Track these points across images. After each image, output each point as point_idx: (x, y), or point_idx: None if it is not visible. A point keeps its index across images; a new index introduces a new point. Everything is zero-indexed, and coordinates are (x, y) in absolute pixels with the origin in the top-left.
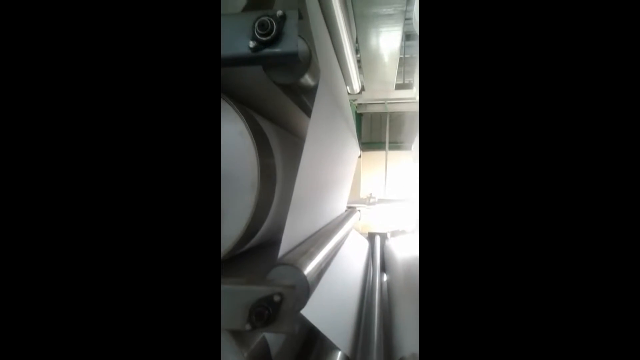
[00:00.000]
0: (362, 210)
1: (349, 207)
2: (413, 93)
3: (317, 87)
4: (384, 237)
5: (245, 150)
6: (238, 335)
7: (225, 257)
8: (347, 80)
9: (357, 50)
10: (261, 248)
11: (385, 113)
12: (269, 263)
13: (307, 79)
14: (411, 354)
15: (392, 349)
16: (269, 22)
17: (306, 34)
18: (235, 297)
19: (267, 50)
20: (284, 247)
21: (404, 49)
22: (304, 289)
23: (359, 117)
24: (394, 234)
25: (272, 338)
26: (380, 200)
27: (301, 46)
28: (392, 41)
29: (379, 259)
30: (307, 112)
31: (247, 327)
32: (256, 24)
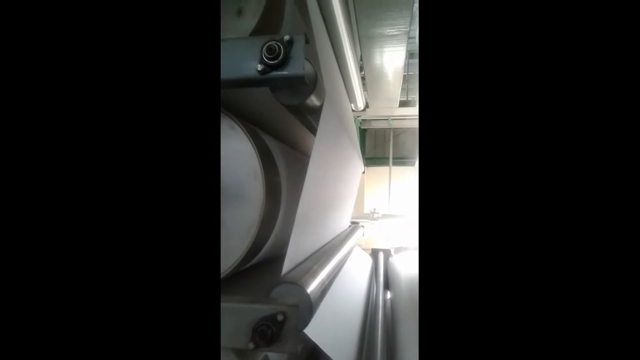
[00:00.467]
0: (366, 226)
1: (352, 223)
2: (416, 110)
3: (322, 107)
4: (387, 253)
5: (251, 167)
6: (241, 354)
7: (230, 274)
8: (351, 97)
9: (361, 68)
10: (265, 264)
11: (389, 129)
12: (273, 280)
13: (313, 100)
14: None
15: None
16: (276, 46)
17: (312, 56)
18: (239, 315)
19: (274, 73)
20: (287, 265)
21: (407, 66)
22: (307, 308)
23: (362, 132)
24: (397, 250)
25: (275, 356)
26: (384, 216)
27: (307, 68)
28: (395, 60)
29: (383, 276)
30: (313, 130)
31: (251, 346)
32: (264, 48)
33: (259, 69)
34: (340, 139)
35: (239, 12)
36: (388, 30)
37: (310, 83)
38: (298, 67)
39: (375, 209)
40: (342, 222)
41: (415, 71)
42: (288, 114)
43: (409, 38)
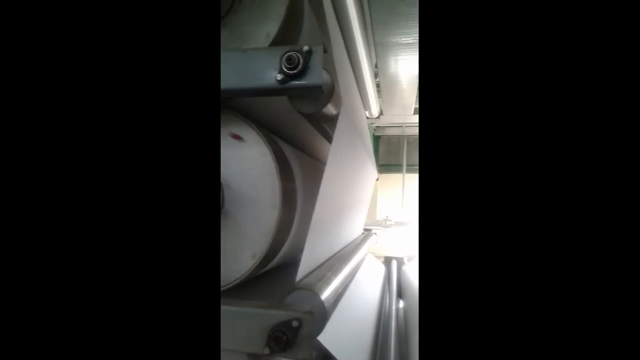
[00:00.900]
0: (379, 233)
1: (365, 230)
2: None
3: (338, 115)
4: (400, 261)
5: (268, 174)
6: (256, 359)
7: (246, 279)
8: (366, 105)
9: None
10: (279, 269)
11: (403, 136)
12: (287, 286)
13: (330, 108)
14: None
15: None
16: (296, 56)
17: (329, 65)
18: (254, 320)
19: (293, 83)
20: (302, 271)
21: None
22: (321, 315)
23: (376, 139)
24: (410, 258)
25: None
26: (397, 223)
27: (325, 78)
28: (410, 67)
29: (396, 285)
30: (328, 138)
31: (266, 351)
32: (284, 58)
33: (279, 78)
34: (355, 147)
35: (260, 23)
36: (404, 39)
37: (328, 92)
38: (316, 76)
39: (388, 216)
40: (355, 228)
41: None
42: (305, 121)
43: None
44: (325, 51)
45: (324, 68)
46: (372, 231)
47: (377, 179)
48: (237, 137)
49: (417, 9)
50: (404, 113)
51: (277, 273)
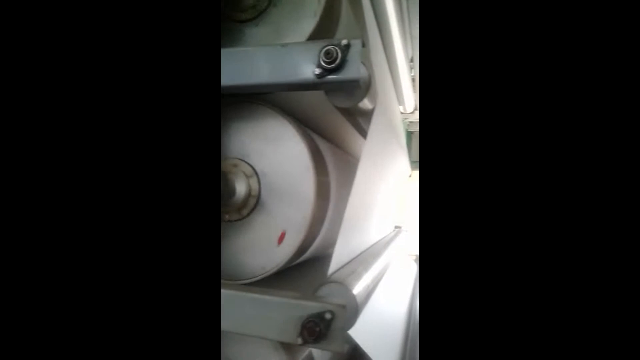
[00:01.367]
0: (410, 230)
1: (396, 227)
2: None
3: (374, 110)
4: None
5: (303, 167)
6: (288, 348)
7: (279, 270)
8: (400, 99)
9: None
10: (310, 262)
11: None
12: (319, 279)
13: (366, 103)
14: None
15: None
16: (334, 50)
17: (366, 59)
18: (288, 310)
19: (331, 77)
20: (334, 265)
21: None
22: (353, 309)
23: (409, 135)
24: None
25: (317, 353)
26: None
27: (362, 72)
28: None
29: None
30: (362, 132)
31: (299, 341)
32: (322, 52)
33: (317, 72)
34: (389, 142)
35: (297, 18)
36: None
37: (365, 86)
38: (354, 70)
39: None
40: (387, 225)
41: None
42: (340, 116)
43: None
44: (363, 45)
45: (362, 62)
46: (403, 229)
47: (410, 176)
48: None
49: None
50: None
51: (309, 265)
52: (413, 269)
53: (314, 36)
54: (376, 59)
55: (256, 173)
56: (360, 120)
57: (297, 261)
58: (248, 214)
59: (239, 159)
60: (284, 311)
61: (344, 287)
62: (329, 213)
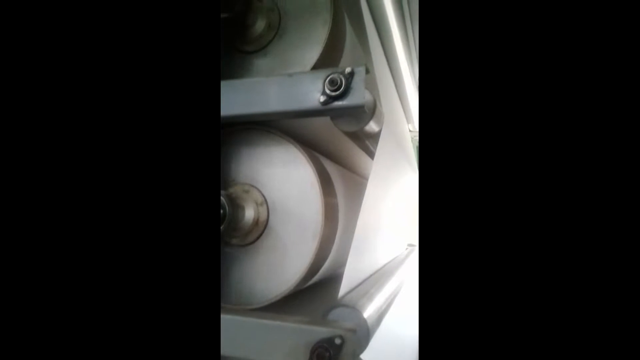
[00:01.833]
0: None
1: (409, 245)
2: None
3: (380, 132)
4: None
5: (311, 191)
6: None
7: (290, 293)
8: (408, 118)
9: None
10: (321, 284)
11: None
12: (329, 302)
13: (372, 126)
14: None
15: None
16: (338, 78)
17: (371, 83)
18: (297, 335)
19: (336, 103)
20: (344, 287)
21: None
22: (364, 333)
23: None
24: None
25: None
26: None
27: (367, 97)
28: None
29: None
30: (370, 154)
31: None
32: (327, 81)
33: (322, 100)
34: (397, 162)
35: (303, 47)
36: None
37: (370, 111)
38: (358, 97)
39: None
40: (399, 244)
41: None
42: (347, 139)
43: None
44: (367, 72)
45: (366, 88)
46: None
47: None
48: None
49: None
50: None
51: (319, 288)
52: None
53: (319, 64)
54: (382, 82)
55: (266, 201)
56: (367, 142)
57: (308, 284)
58: (256, 239)
59: (251, 184)
60: (292, 336)
61: (355, 310)
62: (338, 235)
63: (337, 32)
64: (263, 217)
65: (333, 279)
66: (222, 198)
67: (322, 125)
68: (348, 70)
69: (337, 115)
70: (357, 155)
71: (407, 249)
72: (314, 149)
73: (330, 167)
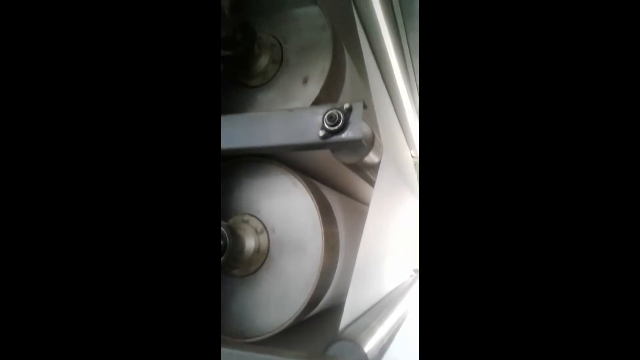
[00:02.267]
0: None
1: (415, 271)
2: None
3: (380, 162)
4: None
5: (311, 221)
6: None
7: (289, 326)
8: (410, 144)
9: None
10: (322, 315)
11: None
12: (329, 335)
13: (371, 157)
14: None
15: None
16: (337, 114)
17: (371, 115)
18: None
19: (334, 137)
20: (345, 320)
21: None
22: None
23: None
24: None
25: None
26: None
27: (365, 131)
28: None
29: None
30: (372, 183)
31: None
32: (326, 116)
33: (321, 134)
34: (398, 190)
35: (305, 81)
36: None
37: (368, 143)
38: (356, 131)
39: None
40: (402, 272)
41: None
42: (348, 169)
43: None
44: (365, 107)
45: (364, 121)
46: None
47: None
48: None
49: None
50: None
51: (321, 319)
52: None
53: (321, 97)
54: (382, 112)
55: (266, 229)
56: (368, 172)
57: (309, 315)
58: (256, 270)
59: (250, 214)
60: None
61: (356, 344)
62: (340, 264)
63: (338, 66)
64: (264, 247)
65: (335, 310)
66: (222, 229)
67: (323, 155)
68: (346, 106)
69: (337, 148)
70: (359, 182)
71: (411, 275)
72: (315, 177)
73: (331, 196)
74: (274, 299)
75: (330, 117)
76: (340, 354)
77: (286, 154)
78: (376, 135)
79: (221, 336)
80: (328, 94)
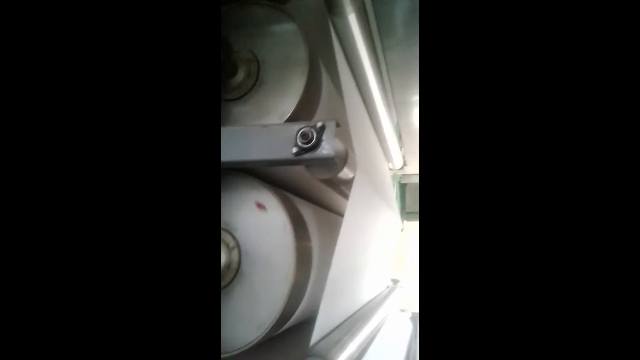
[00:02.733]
0: (407, 280)
1: (393, 280)
2: None
3: (354, 177)
4: None
5: (283, 236)
6: None
7: (259, 342)
8: (388, 157)
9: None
10: (294, 330)
11: None
12: (300, 352)
13: (346, 172)
14: None
15: None
16: (310, 132)
17: (345, 133)
18: None
19: (307, 155)
20: (316, 335)
21: None
22: None
23: (402, 187)
24: None
25: None
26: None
27: (338, 148)
28: None
29: None
30: (347, 197)
31: None
32: (299, 134)
33: (294, 151)
34: (373, 204)
35: (281, 96)
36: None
37: (341, 161)
38: (329, 149)
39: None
40: (378, 284)
41: None
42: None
43: None
44: (338, 125)
45: (338, 138)
46: (399, 283)
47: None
48: (261, 207)
49: None
50: None
51: (293, 333)
52: (408, 330)
53: (296, 113)
54: (357, 128)
55: (238, 244)
56: (343, 187)
57: (282, 329)
58: (227, 285)
59: (223, 229)
60: None
61: None
62: (312, 278)
63: (314, 83)
64: (235, 261)
65: (309, 324)
66: None
67: (298, 168)
68: (319, 124)
69: (310, 164)
70: (336, 195)
71: (387, 287)
72: (290, 190)
73: (306, 209)
74: (245, 314)
75: (304, 135)
76: None
77: (260, 167)
78: (350, 151)
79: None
80: (304, 109)
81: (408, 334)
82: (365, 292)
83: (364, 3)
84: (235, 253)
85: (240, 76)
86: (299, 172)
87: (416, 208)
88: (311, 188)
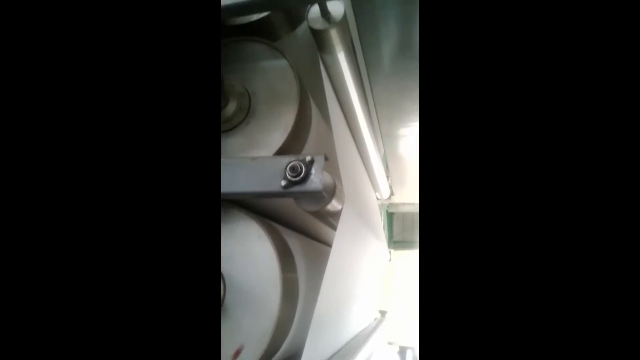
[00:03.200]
0: (395, 311)
1: (380, 312)
2: None
3: (342, 209)
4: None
5: (269, 269)
6: None
7: None
8: (376, 187)
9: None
10: None
11: (416, 213)
12: None
13: (334, 204)
14: None
15: None
16: (299, 166)
17: (333, 166)
18: None
19: (296, 188)
20: None
21: None
22: None
23: (390, 216)
24: None
25: None
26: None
27: (326, 181)
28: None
29: None
30: (334, 227)
31: None
32: (288, 167)
33: (283, 184)
34: (360, 235)
35: (270, 130)
36: (409, 130)
37: (329, 194)
38: (317, 183)
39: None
40: (365, 315)
41: None
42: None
43: None
44: (326, 159)
45: (326, 171)
46: (386, 315)
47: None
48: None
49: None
50: (415, 193)
51: None
52: None
53: (285, 146)
54: (345, 162)
55: (222, 277)
56: (331, 219)
57: None
58: None
59: None
60: None
61: None
62: (299, 311)
63: (304, 117)
64: (220, 295)
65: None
66: None
67: (286, 201)
68: (308, 158)
69: (298, 197)
70: (322, 225)
71: (375, 319)
72: (277, 221)
73: (293, 240)
74: (228, 351)
75: (292, 168)
76: None
77: (248, 199)
78: (338, 184)
79: None
80: (293, 143)
81: None
82: (353, 326)
83: (352, 41)
84: (221, 286)
85: (231, 109)
86: (287, 204)
87: (404, 237)
88: (299, 219)
